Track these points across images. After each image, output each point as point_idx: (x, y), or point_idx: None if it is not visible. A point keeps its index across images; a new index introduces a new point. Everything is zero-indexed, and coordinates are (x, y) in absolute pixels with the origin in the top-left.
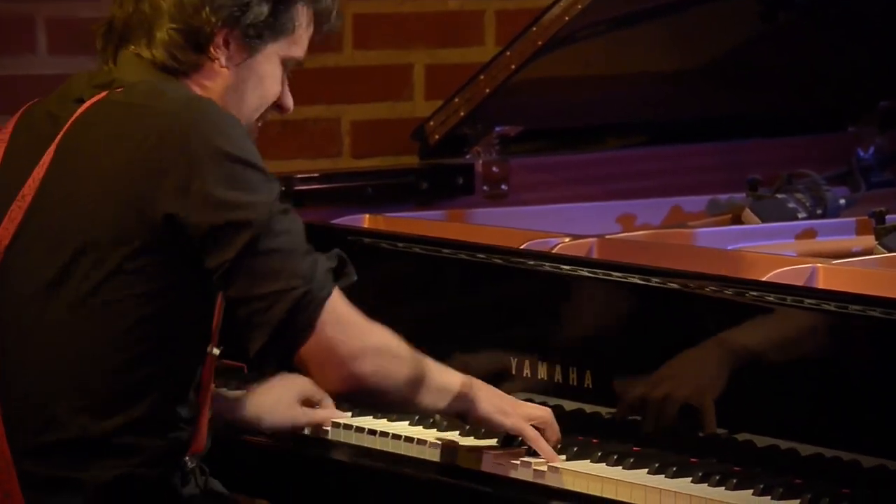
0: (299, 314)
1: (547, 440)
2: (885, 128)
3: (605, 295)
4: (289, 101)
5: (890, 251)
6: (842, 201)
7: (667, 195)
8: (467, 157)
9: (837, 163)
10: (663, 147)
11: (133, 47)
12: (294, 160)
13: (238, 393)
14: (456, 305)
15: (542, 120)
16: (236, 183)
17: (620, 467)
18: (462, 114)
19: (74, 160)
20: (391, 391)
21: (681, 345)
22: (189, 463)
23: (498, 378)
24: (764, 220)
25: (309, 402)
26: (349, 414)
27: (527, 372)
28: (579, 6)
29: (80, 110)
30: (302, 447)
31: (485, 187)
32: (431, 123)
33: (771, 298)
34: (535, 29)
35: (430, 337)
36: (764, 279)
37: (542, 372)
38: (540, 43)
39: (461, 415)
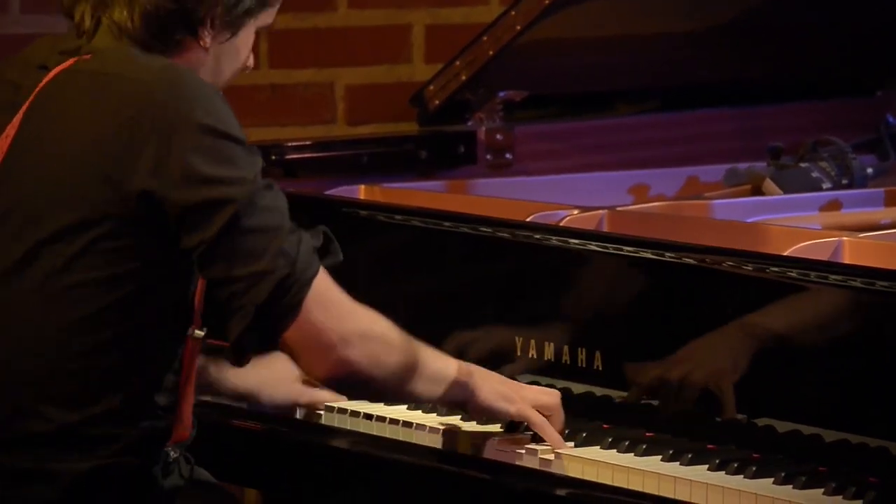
0: (283, 296)
1: (554, 426)
2: None
3: (616, 270)
4: (251, 60)
5: None
6: (869, 170)
7: (682, 164)
8: (469, 123)
9: (865, 129)
10: (678, 113)
11: (109, 13)
12: (285, 127)
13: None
14: (457, 282)
15: (549, 84)
16: (217, 157)
17: (632, 454)
18: (464, 78)
19: (41, 133)
20: (382, 378)
21: (697, 324)
22: (171, 453)
23: (502, 360)
24: (786, 191)
25: (309, 381)
26: (346, 396)
27: (532, 353)
28: None
29: (45, 79)
30: (295, 432)
31: (488, 156)
32: (431, 88)
33: (793, 274)
34: None
35: (429, 316)
36: (786, 254)
37: (549, 353)
38: (547, 2)
39: (461, 404)
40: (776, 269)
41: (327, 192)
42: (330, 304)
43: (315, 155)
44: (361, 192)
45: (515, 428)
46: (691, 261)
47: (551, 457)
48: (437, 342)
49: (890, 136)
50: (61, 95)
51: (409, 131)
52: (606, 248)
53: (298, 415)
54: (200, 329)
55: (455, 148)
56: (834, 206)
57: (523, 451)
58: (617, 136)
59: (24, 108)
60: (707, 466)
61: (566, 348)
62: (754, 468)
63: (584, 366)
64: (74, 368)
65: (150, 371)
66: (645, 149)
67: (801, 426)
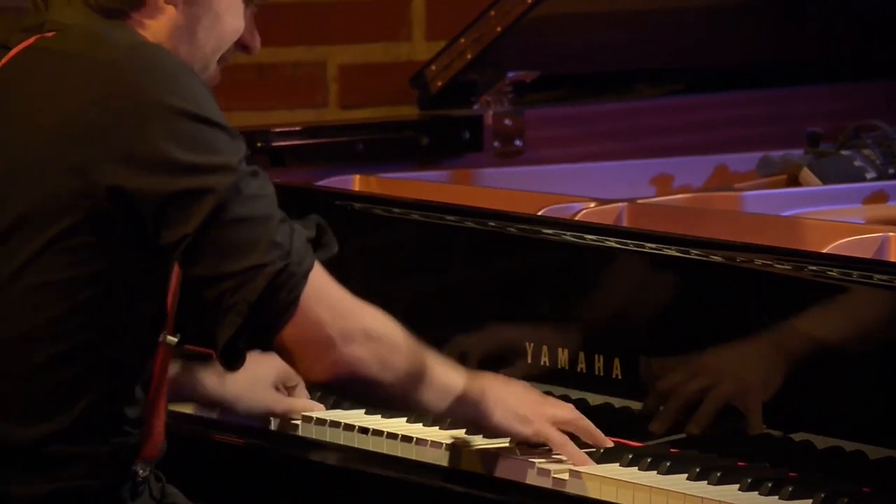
0: (279, 292)
1: (586, 438)
2: None
3: (636, 269)
4: (255, 41)
5: None
6: None
7: (710, 152)
8: (475, 107)
9: None
10: (705, 95)
11: None
12: (271, 111)
13: (209, 368)
14: (461, 282)
15: (562, 64)
16: (195, 143)
17: (655, 472)
18: (469, 57)
19: (0, 119)
20: (387, 382)
21: (726, 329)
22: (140, 471)
23: (511, 367)
24: (825, 182)
25: (284, 388)
26: (324, 406)
27: (545, 360)
28: None
29: (5, 59)
30: (279, 447)
31: (496, 143)
32: (433, 68)
33: (834, 273)
34: None
35: (431, 319)
36: (825, 251)
37: (563, 360)
38: None
39: (471, 421)
40: (815, 267)
41: (318, 183)
42: (330, 299)
43: (305, 142)
44: (356, 182)
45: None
46: (720, 259)
47: (566, 476)
48: (438, 348)
49: None
50: (22, 77)
51: (409, 116)
52: (626, 244)
53: (273, 425)
54: (174, 335)
55: (459, 134)
56: (879, 197)
57: (535, 469)
58: (637, 120)
59: None
60: (738, 486)
61: (581, 355)
62: (791, 488)
63: (601, 374)
64: (31, 381)
65: (118, 382)
66: (668, 135)
67: (842, 442)
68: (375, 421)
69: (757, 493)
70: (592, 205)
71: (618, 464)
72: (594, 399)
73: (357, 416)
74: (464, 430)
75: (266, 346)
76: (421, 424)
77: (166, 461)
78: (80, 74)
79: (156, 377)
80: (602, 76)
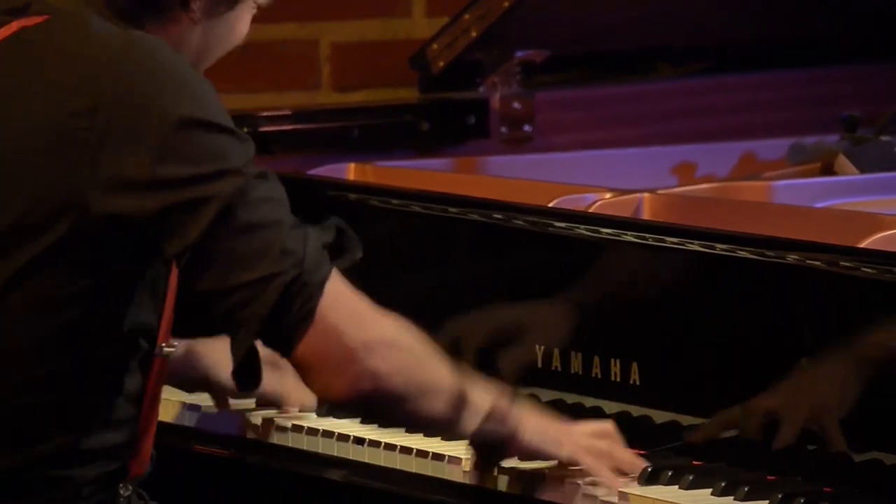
0: (293, 303)
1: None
2: None
3: (656, 266)
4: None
5: None
6: None
7: (736, 138)
8: (481, 90)
9: None
10: (731, 76)
11: None
12: (259, 94)
13: (195, 343)
14: (465, 280)
15: (575, 42)
16: (197, 155)
17: (677, 486)
18: (474, 34)
19: None
20: (413, 397)
21: (754, 329)
22: (123, 491)
23: (520, 373)
24: (863, 170)
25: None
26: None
27: (556, 364)
28: None
29: None
30: (276, 461)
31: (503, 129)
32: (435, 47)
33: (870, 270)
34: None
35: (431, 320)
36: (862, 245)
37: (576, 365)
38: None
39: (498, 442)
40: (849, 263)
41: (310, 173)
42: (350, 308)
43: (295, 127)
44: (351, 171)
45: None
46: (748, 254)
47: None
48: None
49: None
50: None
51: (409, 99)
52: (645, 238)
53: (259, 433)
54: (169, 344)
55: (464, 119)
56: None
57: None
58: (657, 103)
59: None
60: (767, 502)
61: (596, 359)
62: None
63: (617, 380)
64: (12, 405)
65: (108, 402)
66: (691, 119)
67: (882, 455)
68: (380, 433)
69: None
70: (608, 195)
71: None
72: (610, 407)
73: (358, 427)
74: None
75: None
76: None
77: (150, 477)
78: (67, 75)
79: (149, 391)
80: (619, 55)
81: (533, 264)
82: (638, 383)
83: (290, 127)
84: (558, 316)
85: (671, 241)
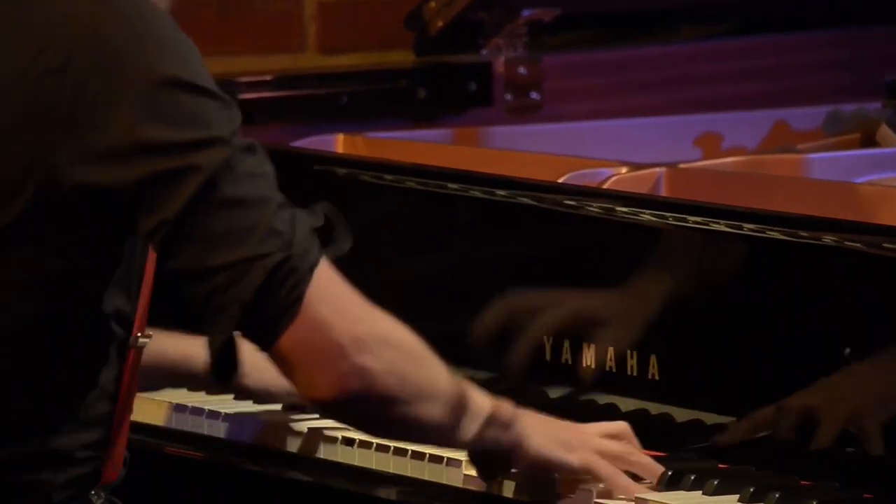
0: (278, 289)
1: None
2: None
3: (677, 248)
4: None
5: None
6: None
7: (767, 106)
8: (483, 52)
9: None
10: (761, 37)
11: None
12: (238, 57)
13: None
14: (466, 264)
15: (588, 0)
16: (178, 118)
17: (700, 492)
18: None
19: None
20: (406, 400)
21: (787, 318)
22: (95, 499)
23: (527, 368)
24: None
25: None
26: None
27: (566, 357)
28: None
29: None
30: (262, 465)
31: (508, 96)
32: (433, 4)
33: None
34: None
35: (428, 308)
36: None
37: (589, 357)
38: None
39: (502, 450)
40: (893, 245)
41: (294, 144)
42: (339, 299)
43: (278, 94)
44: (339, 143)
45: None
46: (778, 235)
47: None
48: (435, 343)
49: None
50: None
51: (403, 63)
52: (665, 218)
53: (288, 420)
54: (145, 335)
55: (464, 85)
56: None
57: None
58: (679, 68)
59: None
60: None
61: (611, 351)
62: None
63: (635, 374)
64: None
65: (79, 400)
66: (716, 85)
67: None
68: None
69: None
70: (624, 170)
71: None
72: (626, 404)
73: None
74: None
75: (263, 353)
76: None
77: (124, 482)
78: (34, 27)
79: (124, 387)
80: (636, 15)
81: (540, 246)
82: (657, 378)
83: (271, 94)
84: (568, 304)
85: (694, 220)
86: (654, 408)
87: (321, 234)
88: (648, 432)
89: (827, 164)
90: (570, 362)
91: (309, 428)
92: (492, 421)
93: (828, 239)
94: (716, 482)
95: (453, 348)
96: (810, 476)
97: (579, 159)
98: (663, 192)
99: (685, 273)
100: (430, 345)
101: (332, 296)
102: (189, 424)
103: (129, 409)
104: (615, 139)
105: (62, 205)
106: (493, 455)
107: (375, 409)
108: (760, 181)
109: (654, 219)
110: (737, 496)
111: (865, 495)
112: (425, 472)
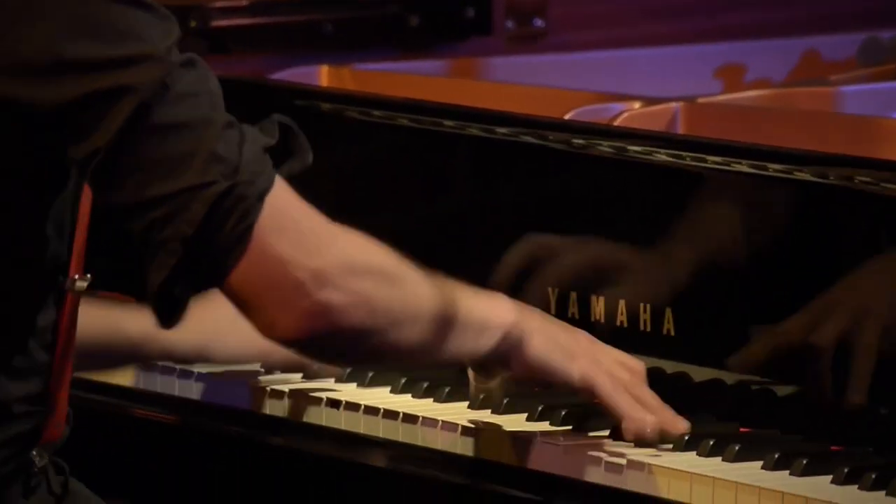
0: (223, 222)
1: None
2: None
3: (694, 190)
4: None
5: None
6: None
7: (795, 34)
8: None
9: None
10: None
11: None
12: None
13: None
14: (464, 209)
15: None
16: (106, 32)
17: (719, 458)
18: None
19: None
20: (381, 329)
21: (817, 265)
22: (37, 459)
23: None
24: None
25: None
26: (352, 386)
27: (573, 311)
28: None
29: None
30: (232, 427)
31: (509, 23)
32: None
33: None
34: None
35: (422, 257)
36: None
37: (598, 311)
38: None
39: (499, 358)
40: None
41: (273, 77)
42: (296, 227)
43: (255, 21)
44: (324, 75)
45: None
46: (808, 176)
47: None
48: None
49: None
50: None
51: None
52: (682, 157)
53: (269, 381)
54: (83, 277)
55: (461, 11)
56: None
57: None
58: None
59: None
60: (830, 478)
61: (622, 304)
62: None
63: (648, 330)
64: None
65: (11, 347)
66: (739, 11)
67: None
68: (362, 394)
69: (857, 486)
70: (637, 105)
71: (671, 447)
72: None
73: (343, 388)
74: (489, 410)
75: (212, 290)
76: (432, 400)
77: (69, 448)
78: None
79: (62, 334)
80: None
81: (545, 189)
82: (672, 334)
83: (248, 20)
84: (576, 252)
85: (714, 160)
86: (670, 366)
87: (277, 153)
88: (662, 393)
89: (862, 97)
90: (576, 317)
91: (291, 389)
92: (485, 327)
93: (860, 180)
94: (737, 447)
95: None
96: (841, 440)
97: (588, 93)
98: (680, 129)
99: (704, 218)
100: None
101: (287, 224)
102: (159, 385)
103: (69, 360)
104: (627, 71)
105: None
106: (490, 360)
107: (346, 343)
108: (787, 117)
109: (669, 159)
110: (760, 462)
111: None
112: (418, 437)
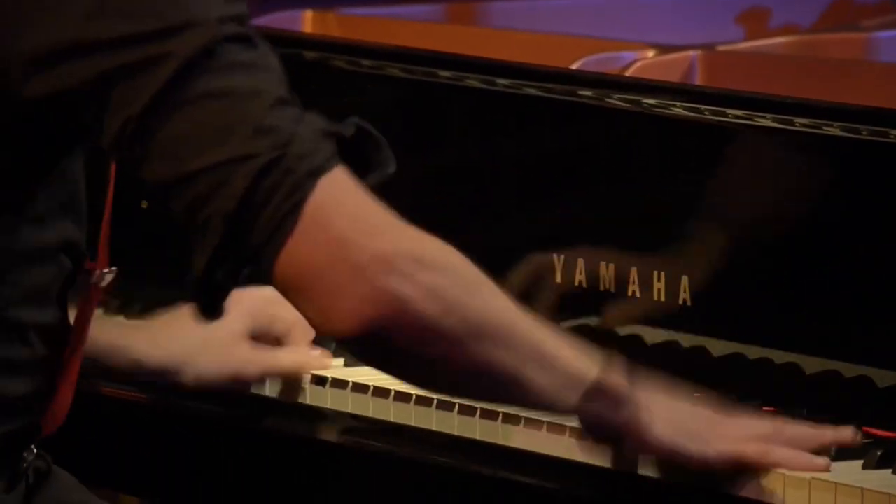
0: (269, 195)
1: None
2: None
3: (714, 146)
4: None
5: None
6: None
7: None
8: None
9: None
10: None
11: None
12: None
13: (138, 322)
14: (461, 166)
15: None
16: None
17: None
18: None
19: None
20: (451, 335)
21: (846, 229)
22: (26, 454)
23: (531, 296)
24: None
25: (267, 339)
26: (340, 362)
27: (580, 278)
28: None
29: None
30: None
31: None
32: None
33: None
34: None
35: (414, 219)
36: None
37: (608, 279)
38: None
39: (617, 433)
40: None
41: (253, 23)
42: (355, 209)
43: None
44: (307, 21)
45: None
46: (837, 131)
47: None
48: None
49: None
50: None
51: None
52: (699, 111)
53: (265, 388)
54: (109, 270)
55: None
56: None
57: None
58: None
59: None
60: (862, 462)
61: (634, 272)
62: None
63: (662, 299)
64: None
65: (21, 343)
66: None
67: None
68: (355, 373)
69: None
70: (651, 54)
71: None
72: (652, 336)
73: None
74: None
75: (262, 277)
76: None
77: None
78: None
79: (78, 331)
80: None
81: (550, 145)
82: (689, 304)
83: None
84: (584, 214)
85: (734, 113)
86: (687, 339)
87: (354, 152)
88: (677, 369)
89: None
90: (584, 284)
91: None
92: (597, 391)
93: (894, 136)
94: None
95: None
96: (875, 423)
97: (597, 40)
98: (698, 80)
99: (724, 177)
100: None
101: (346, 205)
102: None
103: (78, 356)
104: (640, 16)
105: (12, 121)
106: (600, 435)
107: (410, 344)
108: (816, 66)
109: (686, 113)
110: (861, 462)
111: None
112: (433, 422)
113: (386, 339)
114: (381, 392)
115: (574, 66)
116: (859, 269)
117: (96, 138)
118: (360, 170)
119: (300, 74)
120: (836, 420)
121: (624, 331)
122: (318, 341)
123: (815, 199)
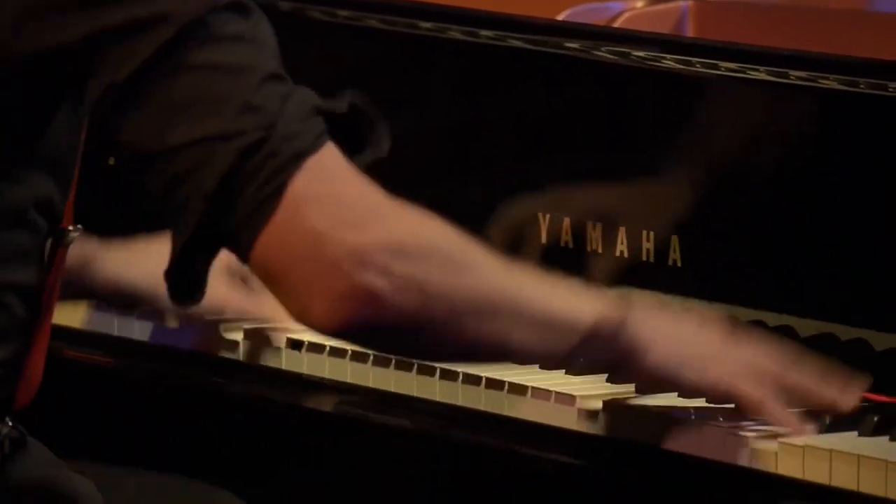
0: (251, 177)
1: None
2: None
3: (707, 101)
4: None
5: None
6: None
7: None
8: None
9: None
10: None
11: None
12: None
13: (116, 242)
14: (443, 124)
15: None
16: None
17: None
18: None
19: None
20: (436, 322)
21: (844, 186)
22: (1, 427)
23: (517, 249)
24: None
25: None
26: None
27: (566, 238)
28: None
29: None
30: (184, 370)
31: None
32: None
33: None
34: None
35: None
36: None
37: (595, 239)
38: None
39: (603, 367)
40: None
41: None
42: (336, 198)
43: None
44: None
45: None
46: (835, 84)
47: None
48: None
49: None
50: None
51: None
52: (691, 64)
53: (236, 335)
54: (75, 228)
55: None
56: None
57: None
58: None
59: None
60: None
61: (623, 231)
62: None
63: (651, 260)
64: None
65: None
66: None
67: None
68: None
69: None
70: (640, 4)
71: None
72: (641, 297)
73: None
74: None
75: (241, 258)
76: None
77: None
78: None
79: (47, 289)
80: None
81: (536, 100)
82: (679, 265)
83: None
84: (570, 172)
85: (728, 66)
86: (676, 302)
87: (348, 130)
88: None
89: None
90: (570, 246)
91: (246, 329)
92: (591, 335)
93: (893, 89)
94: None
95: None
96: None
97: None
98: (689, 31)
99: (716, 133)
100: None
101: (327, 195)
102: (95, 323)
103: (49, 317)
104: None
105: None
106: (595, 367)
107: (395, 336)
108: (812, 16)
109: (677, 65)
110: (854, 431)
111: None
112: (391, 383)
113: (369, 332)
114: (362, 357)
115: (560, 17)
116: (856, 227)
117: (79, 100)
118: (353, 148)
119: (274, 26)
120: None
121: (610, 292)
122: None
123: (812, 156)
